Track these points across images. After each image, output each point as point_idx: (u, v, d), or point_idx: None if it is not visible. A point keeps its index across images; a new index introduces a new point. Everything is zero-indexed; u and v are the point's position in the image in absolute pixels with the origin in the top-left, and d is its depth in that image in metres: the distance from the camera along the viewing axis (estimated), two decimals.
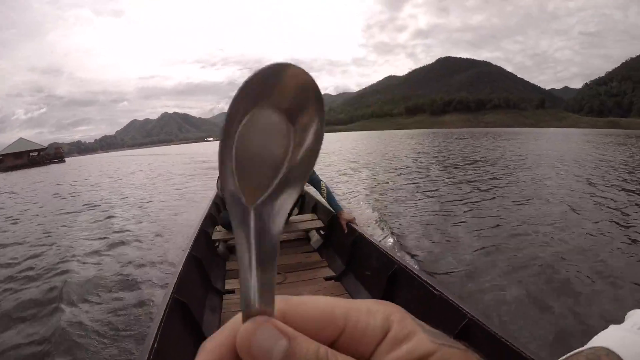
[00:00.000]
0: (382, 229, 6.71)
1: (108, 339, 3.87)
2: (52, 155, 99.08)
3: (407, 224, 7.13)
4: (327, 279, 3.38)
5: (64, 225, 10.00)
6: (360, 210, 8.26)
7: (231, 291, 3.23)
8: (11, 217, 12.31)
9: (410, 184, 12.19)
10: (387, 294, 2.67)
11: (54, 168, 61.94)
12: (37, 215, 12.47)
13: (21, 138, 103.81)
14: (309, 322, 0.22)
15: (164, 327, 1.96)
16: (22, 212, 13.33)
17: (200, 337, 2.40)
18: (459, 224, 7.03)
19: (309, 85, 0.20)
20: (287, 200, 0.21)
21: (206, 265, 3.40)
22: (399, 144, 43.68)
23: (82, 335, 3.95)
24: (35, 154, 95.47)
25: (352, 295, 3.00)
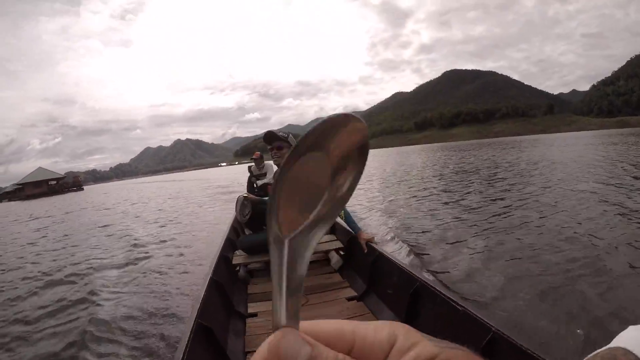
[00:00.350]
0: (402, 247, 6.62)
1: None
2: (70, 183, 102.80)
3: (426, 239, 7.03)
4: (349, 299, 3.33)
5: (94, 246, 10.50)
6: (378, 228, 8.19)
7: (254, 314, 3.19)
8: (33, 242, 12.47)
9: (426, 199, 12.07)
10: (410, 312, 2.63)
11: (73, 196, 63.16)
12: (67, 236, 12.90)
13: (40, 167, 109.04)
14: (322, 340, 0.23)
15: (189, 352, 1.96)
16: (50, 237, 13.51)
17: None
18: (479, 235, 6.93)
19: (363, 140, 0.21)
20: (318, 234, 0.23)
21: (228, 289, 3.40)
22: (408, 160, 43.60)
23: None
24: (54, 182, 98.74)
25: (375, 314, 2.96)
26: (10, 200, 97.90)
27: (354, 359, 0.23)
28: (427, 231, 7.72)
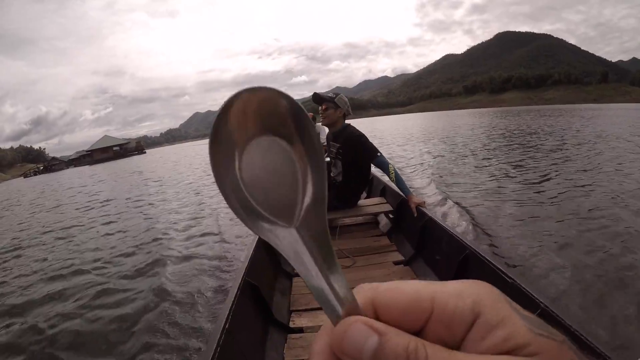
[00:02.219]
0: (453, 212, 6.40)
1: (185, 314, 4.09)
2: (133, 148, 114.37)
3: (480, 207, 6.73)
4: (397, 263, 3.28)
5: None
6: (428, 193, 7.98)
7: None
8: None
9: (480, 165, 11.53)
10: (457, 279, 2.55)
11: (139, 158, 66.33)
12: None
13: (106, 135, 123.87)
14: (397, 309, 0.22)
15: (235, 308, 1.99)
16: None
17: (269, 318, 2.43)
18: (539, 206, 6.54)
19: (285, 108, 0.20)
20: (319, 210, 0.22)
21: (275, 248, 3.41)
22: (455, 124, 42.41)
23: (166, 309, 4.24)
24: (118, 148, 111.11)
25: (420, 278, 2.90)
26: (76, 166, 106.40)
27: (429, 336, 0.21)
28: (482, 198, 7.39)
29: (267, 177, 0.22)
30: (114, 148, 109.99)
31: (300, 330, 2.39)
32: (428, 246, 3.21)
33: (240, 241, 6.15)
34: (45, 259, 7.13)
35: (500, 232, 5.40)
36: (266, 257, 3.15)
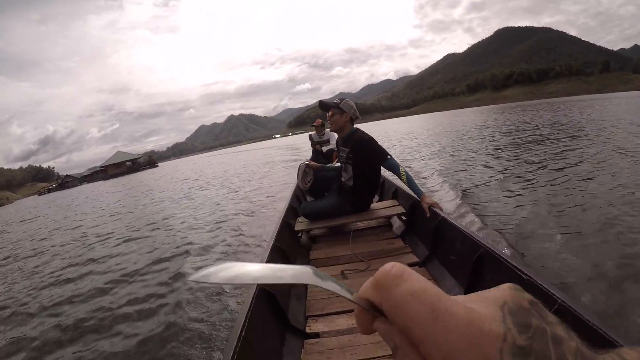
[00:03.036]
0: (467, 212, 6.32)
1: (201, 322, 4.07)
2: (145, 162, 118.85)
3: (493, 206, 6.63)
4: (412, 265, 3.19)
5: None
6: (440, 193, 7.94)
7: None
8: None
9: (489, 162, 11.38)
10: (472, 279, 2.51)
11: (152, 171, 67.72)
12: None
13: (118, 151, 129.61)
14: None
15: (252, 315, 1.98)
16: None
17: (286, 325, 2.41)
18: (550, 200, 6.43)
19: None
20: None
21: (290, 255, 3.41)
22: (459, 122, 42.27)
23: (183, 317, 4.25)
24: (130, 163, 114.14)
25: (437, 281, 2.84)
26: (89, 182, 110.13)
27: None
28: (494, 195, 7.32)
29: None
30: (127, 163, 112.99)
31: (316, 335, 2.37)
32: (442, 247, 3.16)
33: (255, 247, 6.19)
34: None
35: (515, 229, 5.32)
36: (281, 264, 3.10)
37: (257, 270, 0.27)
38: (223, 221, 8.77)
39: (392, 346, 0.24)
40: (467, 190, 7.87)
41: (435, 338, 0.22)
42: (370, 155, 3.78)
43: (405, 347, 0.23)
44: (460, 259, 2.74)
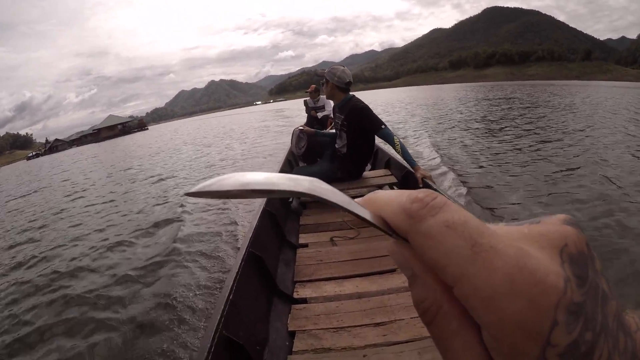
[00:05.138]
0: (458, 185, 6.46)
1: (190, 287, 4.09)
2: (136, 125, 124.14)
3: (481, 175, 7.01)
4: None
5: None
6: (432, 164, 8.05)
7: (305, 245, 3.16)
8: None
9: (474, 136, 11.82)
10: None
11: (140, 135, 68.14)
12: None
13: (111, 115, 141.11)
14: None
15: (239, 279, 2.00)
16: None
17: (273, 289, 2.43)
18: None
19: None
20: None
21: (280, 220, 3.38)
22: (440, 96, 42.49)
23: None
24: (121, 126, 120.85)
25: None
26: (78, 145, 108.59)
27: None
28: (485, 170, 7.53)
29: None
30: (118, 126, 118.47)
31: (304, 300, 2.36)
32: None
33: (244, 212, 6.19)
34: None
35: (501, 201, 5.62)
36: (270, 228, 3.12)
37: (269, 178, 0.22)
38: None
39: (409, 274, 0.21)
40: (457, 162, 8.19)
41: (475, 278, 0.19)
42: (364, 123, 3.73)
43: (427, 278, 0.21)
44: None
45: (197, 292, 3.91)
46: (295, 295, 2.41)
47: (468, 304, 0.20)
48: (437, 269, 0.21)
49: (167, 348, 3.24)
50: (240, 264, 2.15)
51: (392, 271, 2.51)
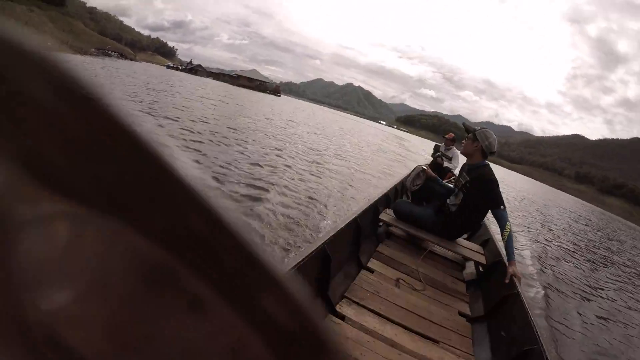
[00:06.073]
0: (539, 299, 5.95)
1: None
2: (272, 88, 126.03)
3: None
4: (461, 314, 3.03)
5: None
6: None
7: (370, 270, 3.11)
8: None
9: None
10: None
11: (272, 98, 79.74)
12: None
13: (254, 69, 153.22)
14: None
15: (302, 266, 2.03)
16: None
17: (323, 293, 2.41)
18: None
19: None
20: None
21: (363, 235, 3.35)
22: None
23: None
24: (259, 82, 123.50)
25: (474, 343, 2.63)
26: (213, 79, 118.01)
27: None
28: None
29: None
30: (257, 82, 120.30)
31: (342, 317, 2.33)
32: (499, 318, 2.93)
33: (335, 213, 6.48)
34: None
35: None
36: (350, 239, 3.11)
37: None
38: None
39: None
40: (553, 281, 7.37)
41: None
42: (486, 195, 3.60)
43: None
44: (510, 340, 2.55)
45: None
46: (337, 308, 2.39)
47: None
48: None
49: None
50: (309, 254, 2.16)
51: (435, 342, 2.40)
